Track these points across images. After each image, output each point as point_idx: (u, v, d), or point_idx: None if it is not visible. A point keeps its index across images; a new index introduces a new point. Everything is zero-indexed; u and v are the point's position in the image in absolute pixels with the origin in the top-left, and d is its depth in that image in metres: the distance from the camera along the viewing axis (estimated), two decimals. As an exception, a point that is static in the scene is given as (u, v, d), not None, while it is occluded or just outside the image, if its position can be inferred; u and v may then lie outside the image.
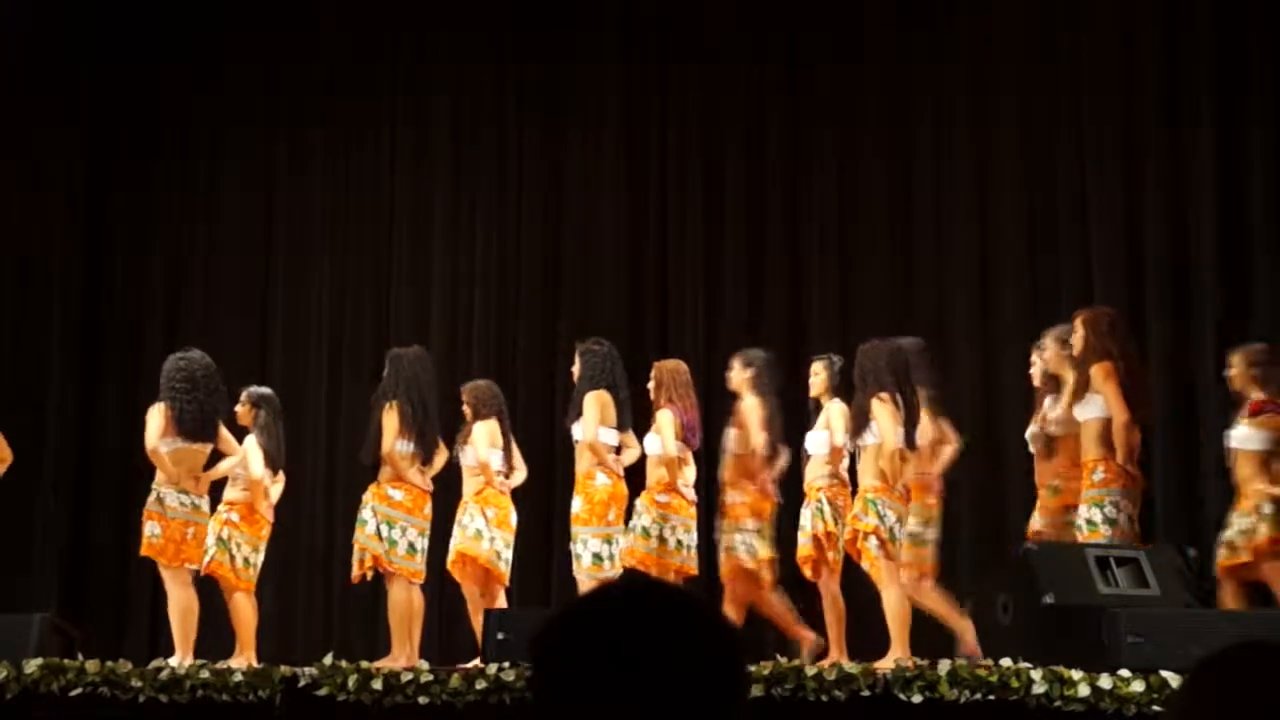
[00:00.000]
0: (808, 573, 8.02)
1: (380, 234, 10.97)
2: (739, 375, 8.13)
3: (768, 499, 8.03)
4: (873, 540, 7.51)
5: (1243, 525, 7.21)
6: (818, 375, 8.21)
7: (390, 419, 8.11)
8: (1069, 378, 7.55)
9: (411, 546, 8.12)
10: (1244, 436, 7.30)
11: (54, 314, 10.91)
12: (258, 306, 11.04)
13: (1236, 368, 7.45)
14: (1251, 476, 7.24)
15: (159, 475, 8.29)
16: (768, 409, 8.02)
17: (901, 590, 7.57)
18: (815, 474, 8.08)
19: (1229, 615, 6.70)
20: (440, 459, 8.39)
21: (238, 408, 8.60)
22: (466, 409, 8.62)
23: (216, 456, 8.51)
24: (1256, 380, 7.36)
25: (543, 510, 9.31)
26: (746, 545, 7.91)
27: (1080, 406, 7.36)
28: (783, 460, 8.16)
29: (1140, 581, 6.35)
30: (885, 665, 6.64)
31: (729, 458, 8.06)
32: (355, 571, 8.22)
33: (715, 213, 10.34)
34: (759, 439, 7.95)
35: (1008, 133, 9.68)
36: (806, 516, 8.03)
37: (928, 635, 8.68)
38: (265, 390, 8.78)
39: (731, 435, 8.07)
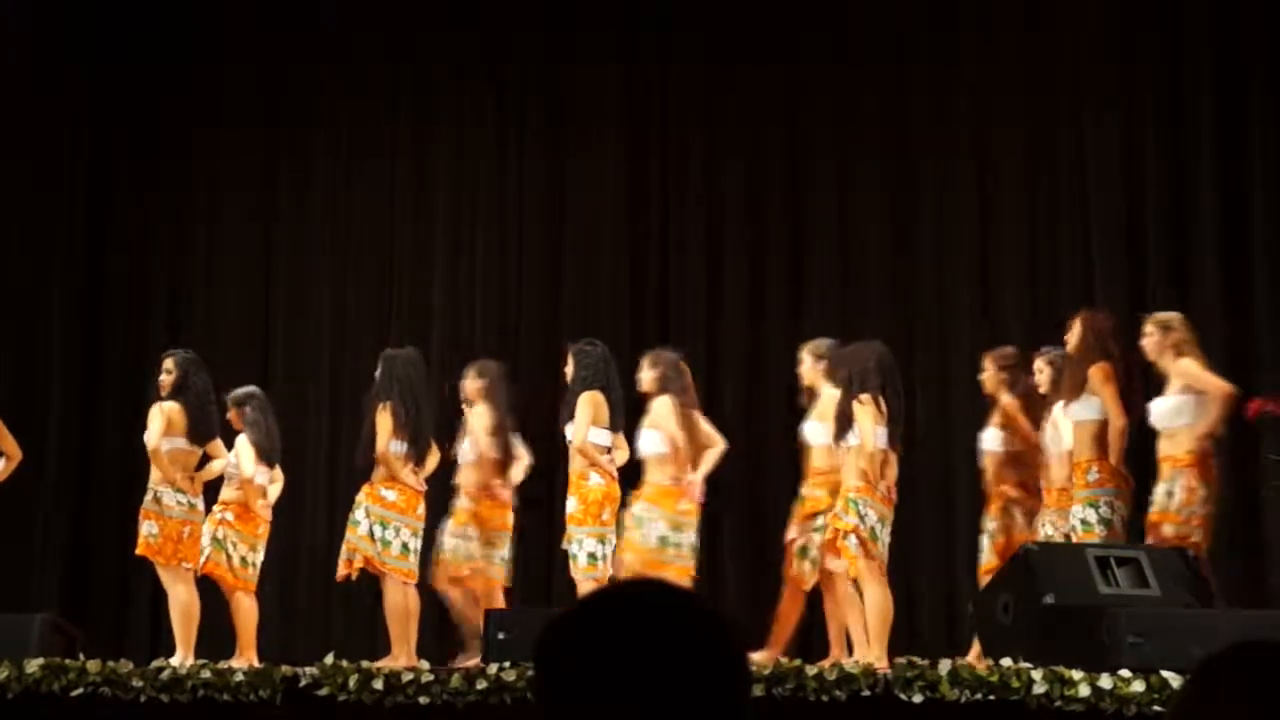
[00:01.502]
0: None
1: (380, 234, 10.96)
2: (471, 384, 8.33)
3: (502, 507, 8.21)
4: (852, 539, 7.55)
5: (991, 528, 7.73)
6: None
7: (384, 420, 8.11)
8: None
9: (405, 547, 8.11)
10: (991, 438, 7.80)
11: (54, 314, 10.90)
12: (258, 306, 11.04)
13: (987, 371, 7.92)
14: (998, 478, 7.74)
15: (155, 474, 8.29)
16: (498, 418, 8.19)
17: (885, 590, 7.60)
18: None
19: (1230, 615, 6.70)
20: (433, 460, 8.39)
21: (228, 414, 8.61)
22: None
23: (204, 458, 8.54)
24: (1005, 384, 7.83)
25: (543, 510, 9.31)
26: (452, 548, 8.14)
27: (1076, 407, 7.40)
28: (519, 468, 8.34)
29: (1140, 581, 6.36)
30: (863, 663, 6.67)
31: (462, 466, 8.23)
32: (340, 570, 8.20)
33: (715, 213, 10.34)
34: (486, 446, 8.12)
35: (1008, 133, 9.69)
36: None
37: (928, 635, 8.71)
38: (246, 389, 8.73)
39: (465, 444, 8.23)
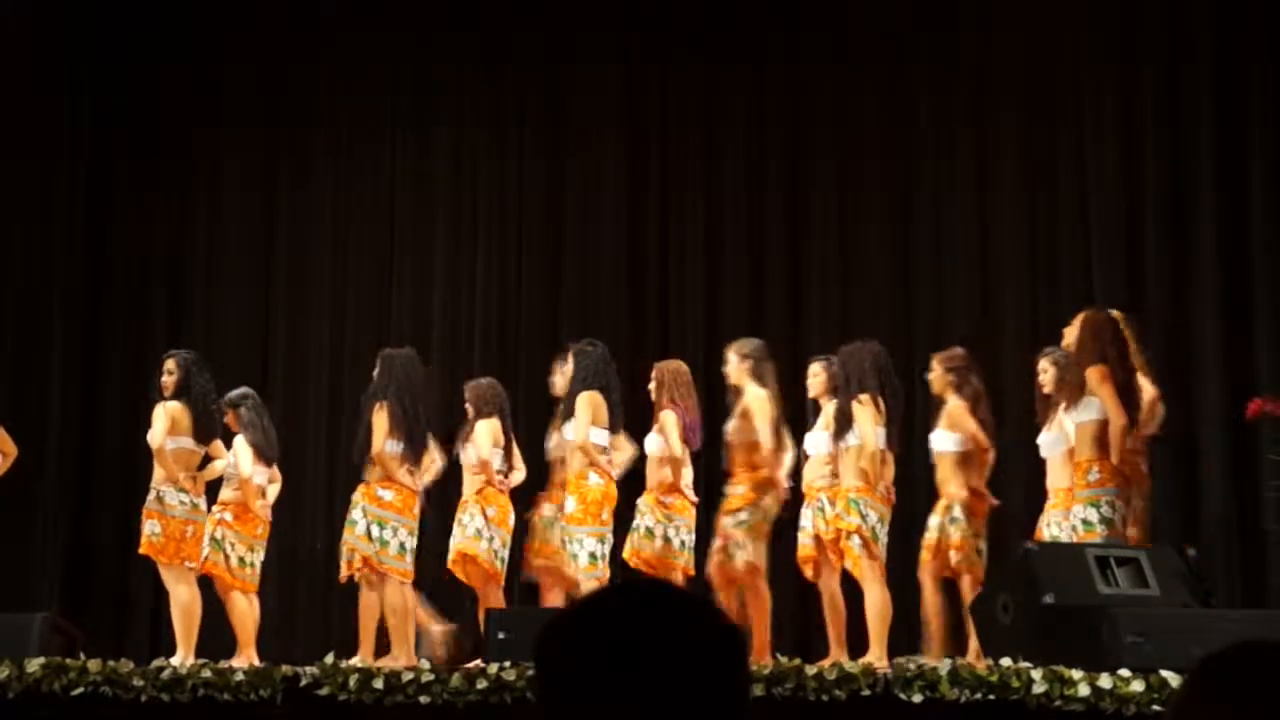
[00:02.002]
0: (808, 573, 8.04)
1: (380, 234, 10.97)
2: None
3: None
4: (855, 540, 7.57)
5: (932, 524, 7.85)
6: (816, 376, 8.26)
7: (380, 419, 8.11)
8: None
9: (402, 546, 8.11)
10: (940, 439, 7.90)
11: (54, 314, 10.90)
12: (258, 306, 11.04)
13: (935, 372, 8.03)
14: (946, 479, 7.82)
15: (158, 474, 8.30)
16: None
17: (884, 590, 7.62)
18: (815, 474, 8.10)
19: (1229, 615, 6.71)
20: (429, 460, 8.39)
21: (225, 416, 8.63)
22: (468, 407, 8.63)
23: (205, 458, 8.55)
24: (953, 385, 7.95)
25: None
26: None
27: (1076, 409, 7.41)
28: (432, 470, 8.50)
29: (1140, 581, 6.36)
30: (862, 663, 6.69)
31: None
32: (344, 571, 8.21)
33: (715, 213, 10.34)
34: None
35: (1008, 133, 9.69)
36: (807, 517, 8.05)
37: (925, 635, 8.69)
38: (240, 391, 8.74)
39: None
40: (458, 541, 8.40)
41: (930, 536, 7.84)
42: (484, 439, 8.47)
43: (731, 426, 8.03)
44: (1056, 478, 7.69)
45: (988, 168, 9.76)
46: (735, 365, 8.06)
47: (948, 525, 7.78)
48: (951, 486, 7.81)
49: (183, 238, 11.25)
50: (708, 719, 1.63)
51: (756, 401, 7.90)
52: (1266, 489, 8.00)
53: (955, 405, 7.89)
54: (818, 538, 7.95)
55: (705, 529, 8.16)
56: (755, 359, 8.04)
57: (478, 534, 8.35)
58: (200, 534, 8.31)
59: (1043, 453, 7.77)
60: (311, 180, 11.14)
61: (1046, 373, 7.83)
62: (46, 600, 9.93)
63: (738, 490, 7.91)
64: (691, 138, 10.49)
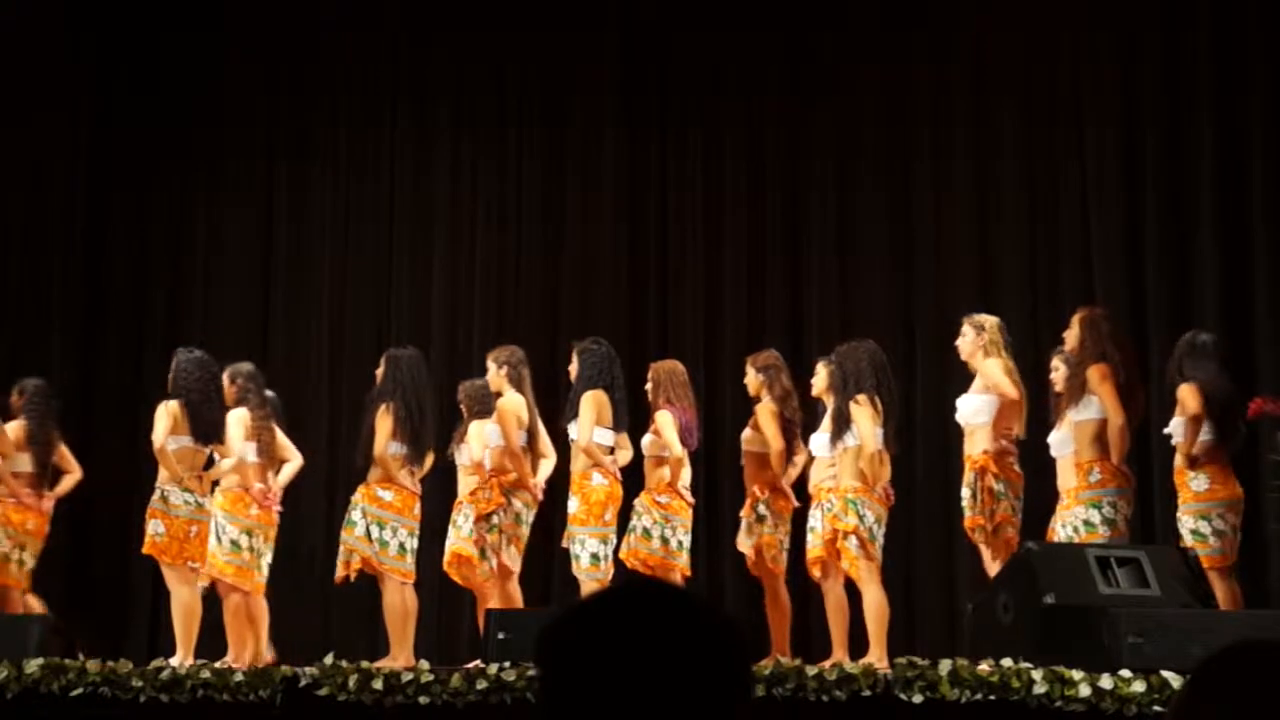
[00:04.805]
0: (816, 573, 8.02)
1: (380, 234, 10.97)
2: (15, 400, 8.82)
3: (36, 515, 8.68)
4: (853, 540, 7.57)
5: (745, 525, 8.17)
6: (819, 376, 8.24)
7: (385, 421, 8.09)
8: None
9: (402, 547, 8.10)
10: (747, 439, 8.20)
11: (54, 313, 10.90)
12: (258, 306, 11.04)
13: (749, 374, 8.31)
14: (752, 477, 8.16)
15: (162, 473, 8.29)
16: (29, 431, 8.68)
17: (881, 590, 7.62)
18: (822, 475, 8.09)
19: (1230, 615, 6.70)
20: (429, 461, 8.39)
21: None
22: (462, 408, 8.62)
23: (211, 458, 8.55)
24: (765, 386, 8.22)
25: (543, 510, 9.29)
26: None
27: (1076, 408, 7.40)
28: (68, 480, 8.84)
29: (1141, 582, 6.35)
30: (862, 663, 6.69)
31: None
32: (339, 572, 8.20)
33: (715, 213, 10.34)
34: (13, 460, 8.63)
35: (1008, 133, 9.69)
36: (816, 517, 8.03)
37: (928, 635, 8.70)
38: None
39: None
40: (452, 543, 8.40)
41: (751, 535, 8.10)
42: (476, 440, 8.46)
43: (486, 431, 8.35)
44: (1066, 478, 7.68)
45: (988, 168, 9.76)
46: (493, 372, 8.38)
47: (754, 524, 8.08)
48: (755, 485, 8.10)
49: (183, 238, 11.26)
50: (708, 719, 1.63)
51: (509, 406, 8.21)
52: (1267, 489, 7.99)
53: (761, 407, 8.13)
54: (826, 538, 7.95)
55: (706, 529, 8.17)
56: (511, 365, 8.36)
57: (472, 534, 8.34)
58: (204, 534, 8.30)
59: (1053, 452, 7.75)
60: (311, 180, 11.14)
61: (1057, 370, 7.81)
62: (46, 600, 9.91)
63: (487, 495, 8.21)
64: (691, 138, 10.49)
